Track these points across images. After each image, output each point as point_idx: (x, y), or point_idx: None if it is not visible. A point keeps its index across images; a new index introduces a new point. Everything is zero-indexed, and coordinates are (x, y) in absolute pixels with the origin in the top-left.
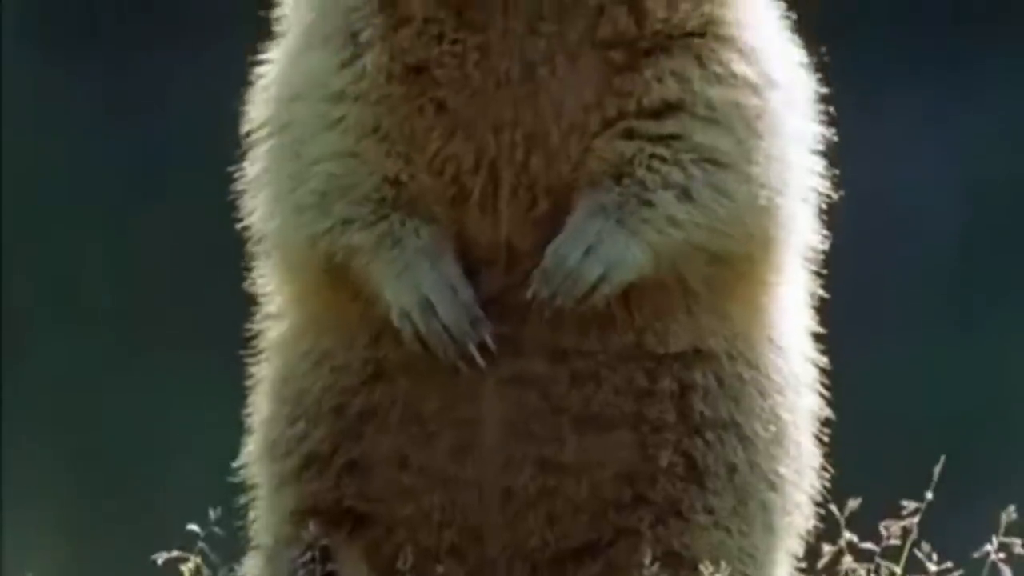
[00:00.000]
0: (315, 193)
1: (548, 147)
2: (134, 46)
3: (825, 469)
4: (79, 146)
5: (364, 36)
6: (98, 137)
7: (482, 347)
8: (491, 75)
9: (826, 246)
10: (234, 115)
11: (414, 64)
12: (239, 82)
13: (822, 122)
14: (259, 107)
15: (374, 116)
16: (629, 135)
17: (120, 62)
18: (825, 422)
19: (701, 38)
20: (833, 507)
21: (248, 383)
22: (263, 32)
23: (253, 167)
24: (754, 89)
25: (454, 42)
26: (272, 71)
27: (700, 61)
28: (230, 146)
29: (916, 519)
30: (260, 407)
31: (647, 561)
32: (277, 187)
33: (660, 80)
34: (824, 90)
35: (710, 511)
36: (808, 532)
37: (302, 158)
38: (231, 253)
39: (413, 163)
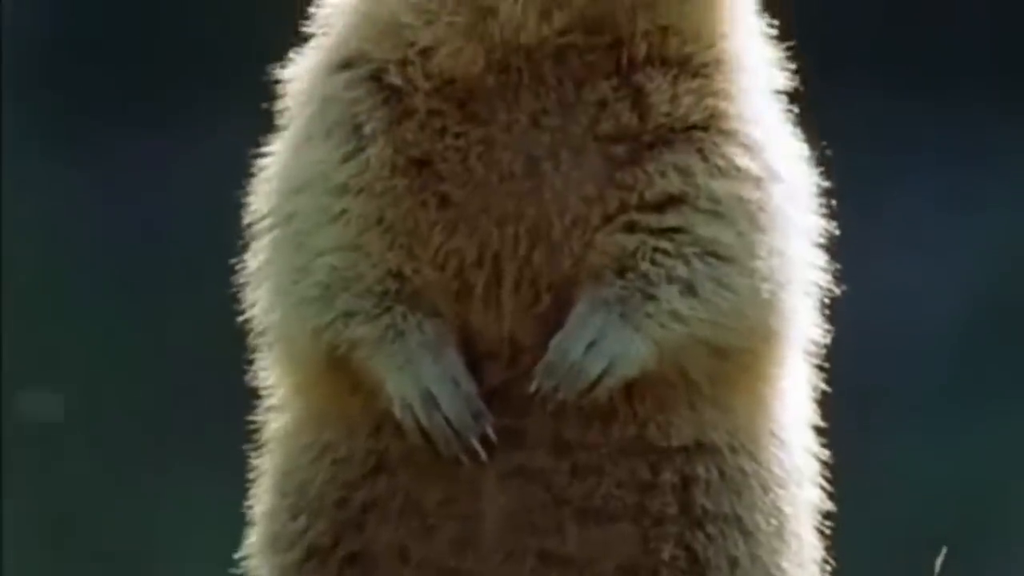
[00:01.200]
0: (318, 286)
1: (551, 241)
2: (136, 137)
3: (827, 562)
4: (80, 237)
5: (367, 129)
6: (99, 228)
7: (484, 440)
8: (494, 169)
9: (828, 339)
10: (236, 206)
11: (417, 157)
12: (241, 173)
13: (824, 216)
14: (261, 199)
15: (377, 209)
16: (631, 229)
17: (122, 153)
18: (827, 515)
19: (704, 131)
20: None
21: (250, 476)
22: (265, 124)
23: (255, 259)
24: (757, 182)
25: (457, 135)
26: (275, 163)
27: (703, 154)
28: (232, 238)
29: None
30: (262, 500)
31: None
32: (279, 279)
33: (663, 174)
34: (826, 184)
35: None
36: None
37: (305, 250)
38: (232, 345)
39: (416, 256)
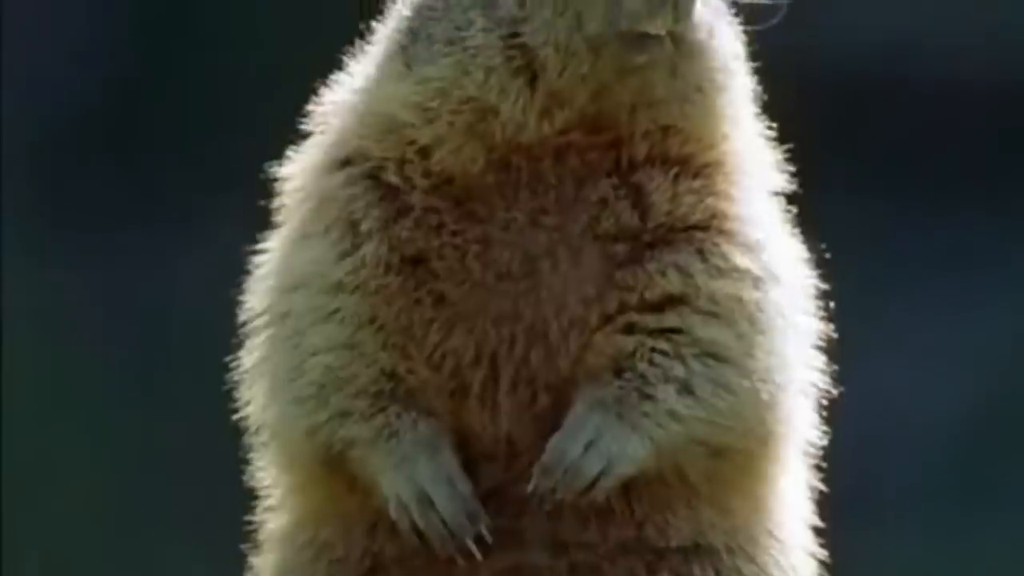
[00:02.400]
0: (313, 385)
1: (548, 342)
2: (133, 235)
3: None
4: (78, 336)
5: (364, 227)
6: (97, 326)
7: (479, 540)
8: (491, 268)
9: (825, 440)
10: (233, 304)
11: (413, 255)
12: (238, 271)
13: (823, 318)
14: (257, 297)
15: (372, 307)
16: (629, 329)
17: (118, 251)
18: None
19: (704, 232)
20: None
21: (249, 575)
22: (262, 221)
23: (250, 357)
24: (756, 283)
25: (454, 234)
26: (271, 261)
27: (702, 255)
28: (228, 336)
29: None
30: None
31: None
32: (275, 378)
33: (663, 274)
34: (824, 286)
35: None
36: None
37: (300, 349)
38: (229, 444)
39: (411, 356)
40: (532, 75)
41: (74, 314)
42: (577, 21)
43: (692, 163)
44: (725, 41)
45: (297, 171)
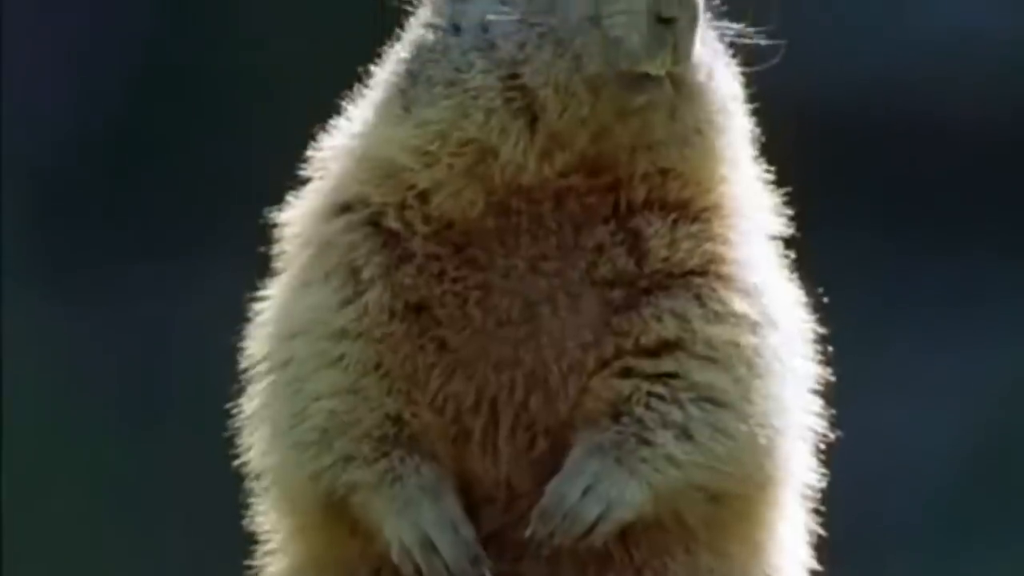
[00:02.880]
0: (316, 430)
1: (547, 387)
2: (133, 278)
3: None
4: (78, 378)
5: (365, 273)
6: (97, 369)
7: None
8: (492, 314)
9: (824, 484)
10: (232, 350)
11: (415, 302)
12: (237, 317)
13: (820, 362)
14: (257, 343)
15: (376, 354)
16: (627, 374)
17: (119, 295)
18: None
19: (701, 276)
20: None
21: None
22: (262, 267)
23: (251, 403)
24: (753, 328)
25: (455, 280)
26: (271, 307)
27: (700, 300)
28: (228, 381)
29: None
30: None
31: None
32: (277, 423)
33: (659, 319)
34: (823, 329)
35: None
36: None
37: (302, 395)
38: (230, 488)
39: (414, 401)
40: (532, 116)
41: (74, 353)
42: (577, 62)
43: (691, 207)
44: (724, 83)
45: (296, 217)
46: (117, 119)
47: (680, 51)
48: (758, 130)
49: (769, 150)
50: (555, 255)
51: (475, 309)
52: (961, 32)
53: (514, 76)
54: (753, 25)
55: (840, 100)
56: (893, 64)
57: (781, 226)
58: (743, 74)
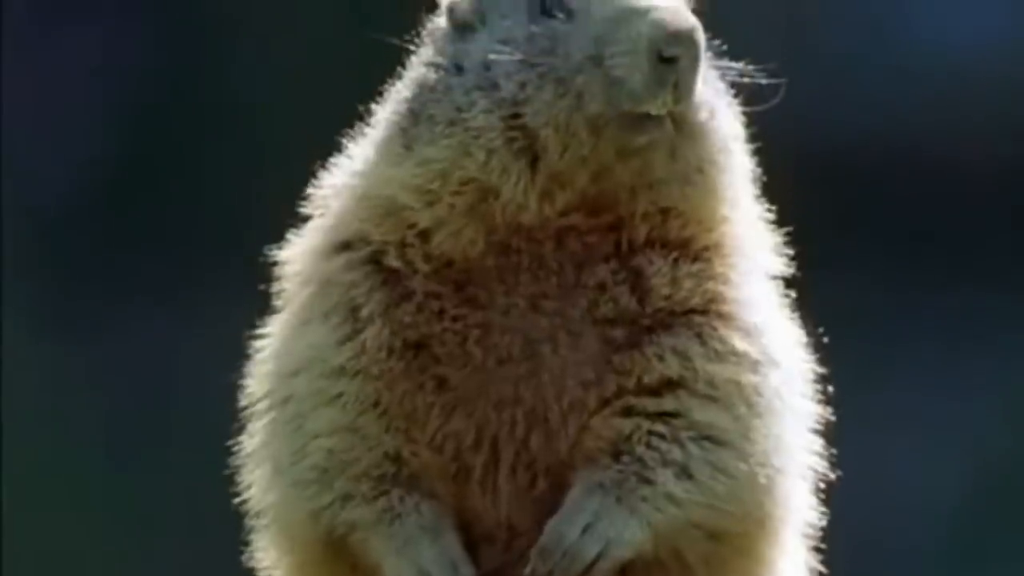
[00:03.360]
0: (315, 468)
1: (548, 425)
2: (133, 317)
3: None
4: (78, 416)
5: (365, 311)
6: (96, 410)
7: None
8: (492, 352)
9: (824, 523)
10: (231, 384)
11: (415, 340)
12: (237, 355)
13: (820, 401)
14: (257, 381)
15: (374, 391)
16: (627, 412)
17: (118, 333)
18: None
19: (703, 315)
20: None
21: None
22: (262, 305)
23: (251, 441)
24: (754, 367)
25: (455, 319)
26: (271, 345)
27: (701, 338)
28: (228, 418)
29: None
30: None
31: None
32: (277, 461)
33: (661, 357)
34: (822, 369)
35: None
36: None
37: (302, 433)
38: (230, 525)
39: (413, 439)
40: (533, 156)
41: (74, 391)
42: (578, 102)
43: (692, 246)
44: (725, 122)
45: (296, 255)
46: (116, 155)
47: (682, 91)
48: (758, 169)
49: (769, 189)
50: (556, 294)
51: (475, 347)
52: (961, 71)
53: (516, 116)
54: (754, 64)
55: (840, 139)
56: (892, 103)
57: (781, 265)
58: (744, 113)
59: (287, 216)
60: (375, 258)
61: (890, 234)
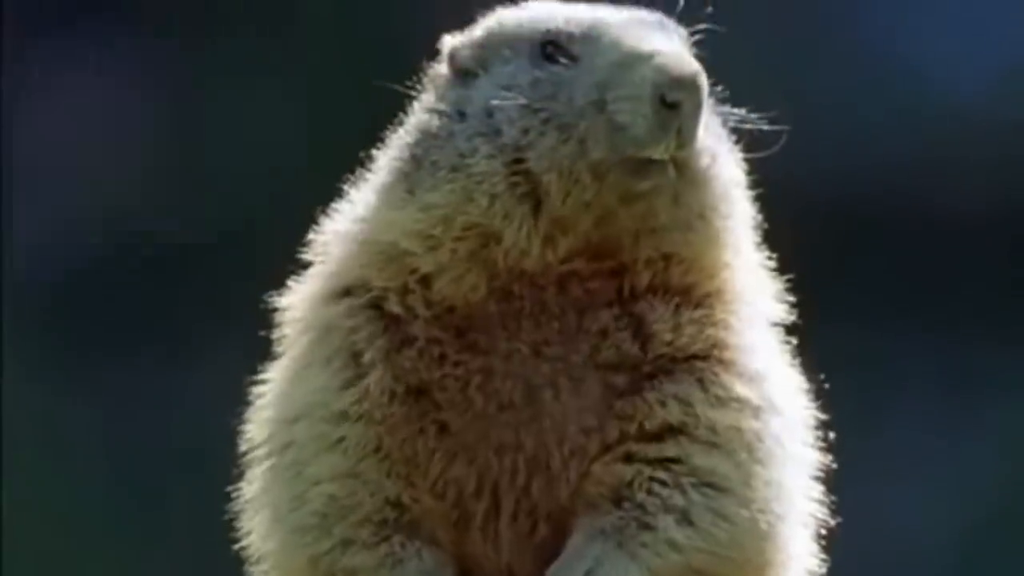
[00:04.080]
0: (316, 514)
1: (549, 471)
2: (133, 364)
3: None
4: (78, 465)
5: (366, 357)
6: (96, 455)
7: None
8: (493, 398)
9: (825, 570)
10: (231, 433)
11: (416, 386)
12: (236, 400)
13: (821, 447)
14: (257, 427)
15: (376, 437)
16: (629, 458)
17: (118, 380)
18: None
19: (704, 361)
20: None
21: None
22: (262, 351)
23: (251, 487)
24: (755, 413)
25: (456, 364)
26: (270, 391)
27: (702, 384)
28: (228, 464)
29: None
30: None
31: None
32: (277, 507)
33: (663, 404)
34: (824, 416)
35: None
36: None
37: (302, 478)
38: (230, 571)
39: (415, 485)
40: (536, 201)
41: (75, 442)
42: (581, 148)
43: (694, 292)
44: (727, 168)
45: (297, 301)
46: (119, 208)
47: (684, 136)
48: (759, 215)
49: (770, 236)
50: (558, 339)
51: (476, 393)
52: (961, 121)
53: (518, 161)
54: (755, 111)
55: (839, 185)
56: (893, 150)
57: (783, 312)
58: (745, 159)
59: (287, 262)
60: (376, 304)
61: (890, 281)
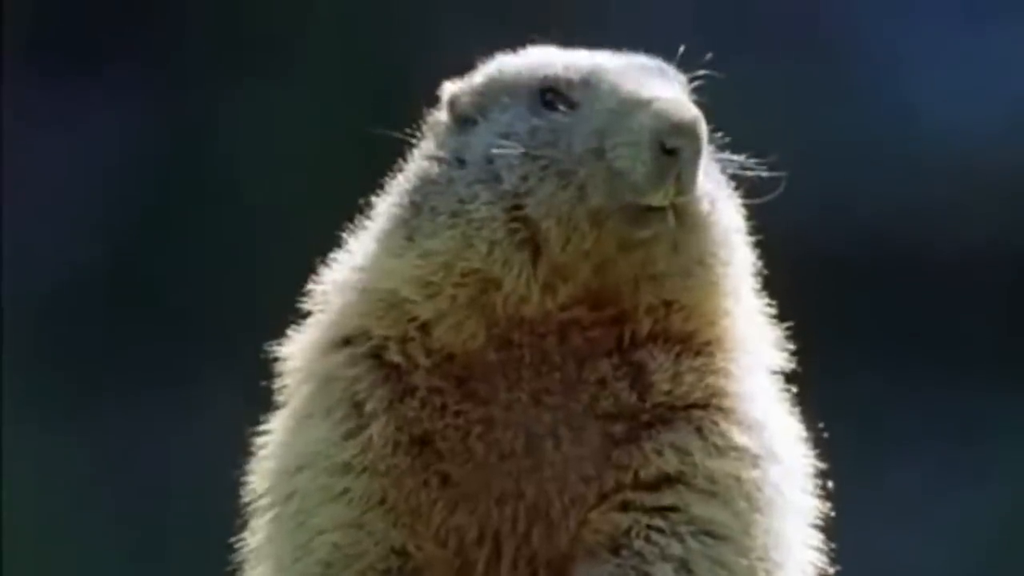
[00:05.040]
0: (320, 563)
1: (549, 520)
2: (133, 411)
3: None
4: (77, 509)
5: (368, 407)
6: (96, 504)
7: None
8: (494, 448)
9: None
10: (231, 479)
11: (419, 436)
12: (237, 450)
13: (820, 496)
14: (260, 478)
15: (380, 488)
16: (626, 507)
17: (118, 428)
18: None
19: (703, 410)
20: None
21: None
22: (262, 401)
23: (253, 538)
24: (754, 462)
25: (457, 414)
26: (272, 441)
27: (701, 433)
28: (229, 516)
29: None
30: None
31: None
32: (280, 558)
33: (660, 453)
34: (822, 465)
35: None
36: None
37: (306, 529)
38: None
39: (418, 533)
40: (535, 248)
41: (74, 483)
42: (580, 194)
43: (694, 340)
44: (726, 214)
45: (297, 351)
46: (118, 247)
47: (684, 182)
48: (760, 263)
49: (770, 283)
50: (558, 388)
51: (477, 443)
52: (962, 167)
53: (518, 207)
54: (756, 157)
55: (840, 233)
56: (894, 198)
57: (782, 360)
58: (746, 206)
59: (287, 311)
60: (376, 353)
61: (889, 329)
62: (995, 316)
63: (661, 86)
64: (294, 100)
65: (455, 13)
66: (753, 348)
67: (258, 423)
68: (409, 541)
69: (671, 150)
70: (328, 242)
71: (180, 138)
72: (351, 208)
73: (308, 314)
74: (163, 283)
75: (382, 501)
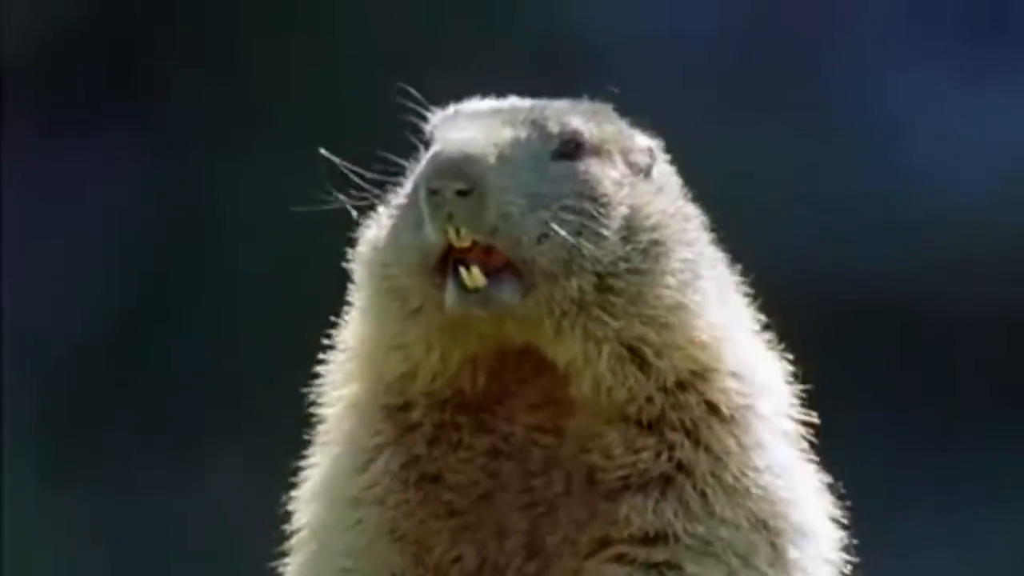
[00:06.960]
0: None
1: (547, 555)
2: (136, 474)
3: None
4: (79, 570)
5: (374, 443)
6: (98, 564)
7: None
8: (495, 479)
9: None
10: (237, 539)
11: (425, 471)
12: (240, 510)
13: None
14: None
15: (391, 520)
16: (620, 559)
17: (121, 488)
18: None
19: (693, 468)
20: None
21: None
22: (266, 461)
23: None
24: (750, 519)
25: (460, 445)
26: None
27: (694, 490)
28: (234, 564)
29: None
30: None
31: None
32: None
33: (654, 510)
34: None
35: None
36: None
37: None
38: None
39: (423, 563)
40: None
41: (73, 545)
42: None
43: (677, 376)
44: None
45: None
46: (121, 308)
47: (460, 220)
48: (769, 316)
49: (785, 338)
50: (550, 427)
51: (480, 474)
52: (971, 216)
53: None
54: (764, 211)
55: (838, 293)
56: (896, 256)
57: (792, 418)
58: (752, 260)
59: (286, 374)
60: (378, 401)
61: (891, 387)
62: (997, 373)
63: (471, 129)
64: (293, 167)
65: (455, 84)
66: (761, 411)
67: (257, 486)
68: (412, 570)
69: (433, 191)
70: (327, 306)
71: (180, 204)
72: (348, 274)
73: (318, 375)
74: (163, 347)
75: (392, 531)
